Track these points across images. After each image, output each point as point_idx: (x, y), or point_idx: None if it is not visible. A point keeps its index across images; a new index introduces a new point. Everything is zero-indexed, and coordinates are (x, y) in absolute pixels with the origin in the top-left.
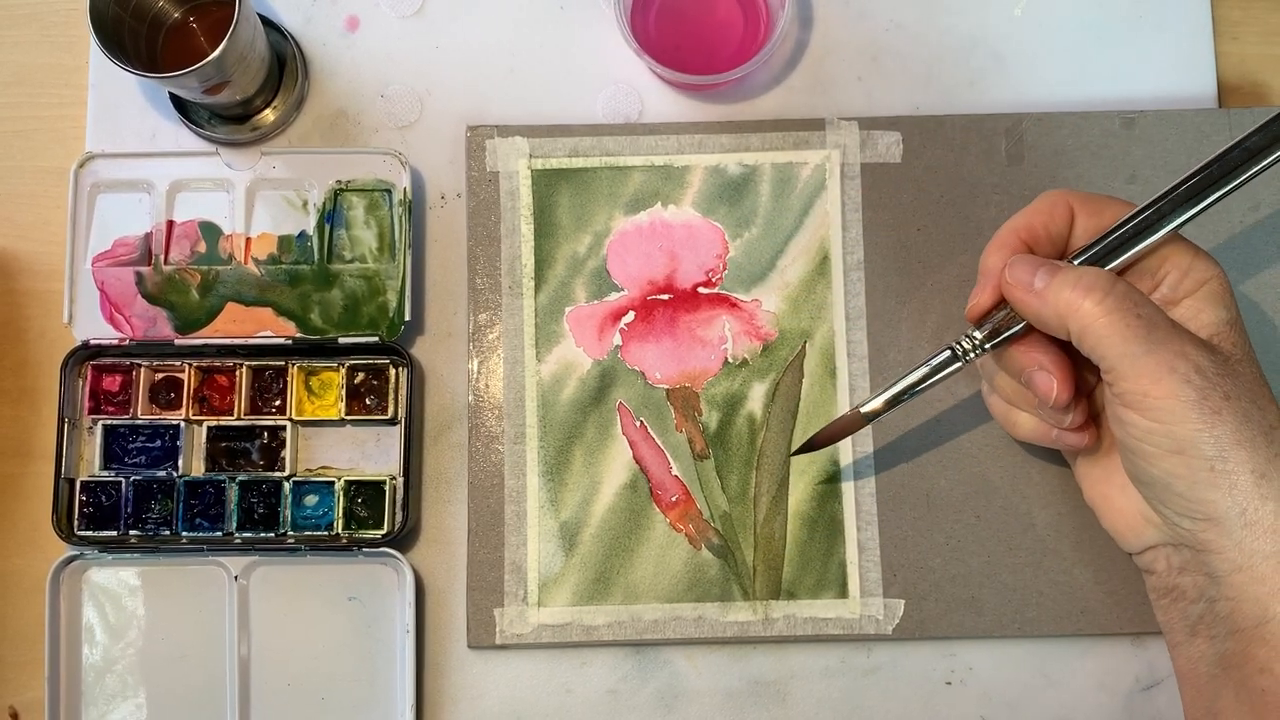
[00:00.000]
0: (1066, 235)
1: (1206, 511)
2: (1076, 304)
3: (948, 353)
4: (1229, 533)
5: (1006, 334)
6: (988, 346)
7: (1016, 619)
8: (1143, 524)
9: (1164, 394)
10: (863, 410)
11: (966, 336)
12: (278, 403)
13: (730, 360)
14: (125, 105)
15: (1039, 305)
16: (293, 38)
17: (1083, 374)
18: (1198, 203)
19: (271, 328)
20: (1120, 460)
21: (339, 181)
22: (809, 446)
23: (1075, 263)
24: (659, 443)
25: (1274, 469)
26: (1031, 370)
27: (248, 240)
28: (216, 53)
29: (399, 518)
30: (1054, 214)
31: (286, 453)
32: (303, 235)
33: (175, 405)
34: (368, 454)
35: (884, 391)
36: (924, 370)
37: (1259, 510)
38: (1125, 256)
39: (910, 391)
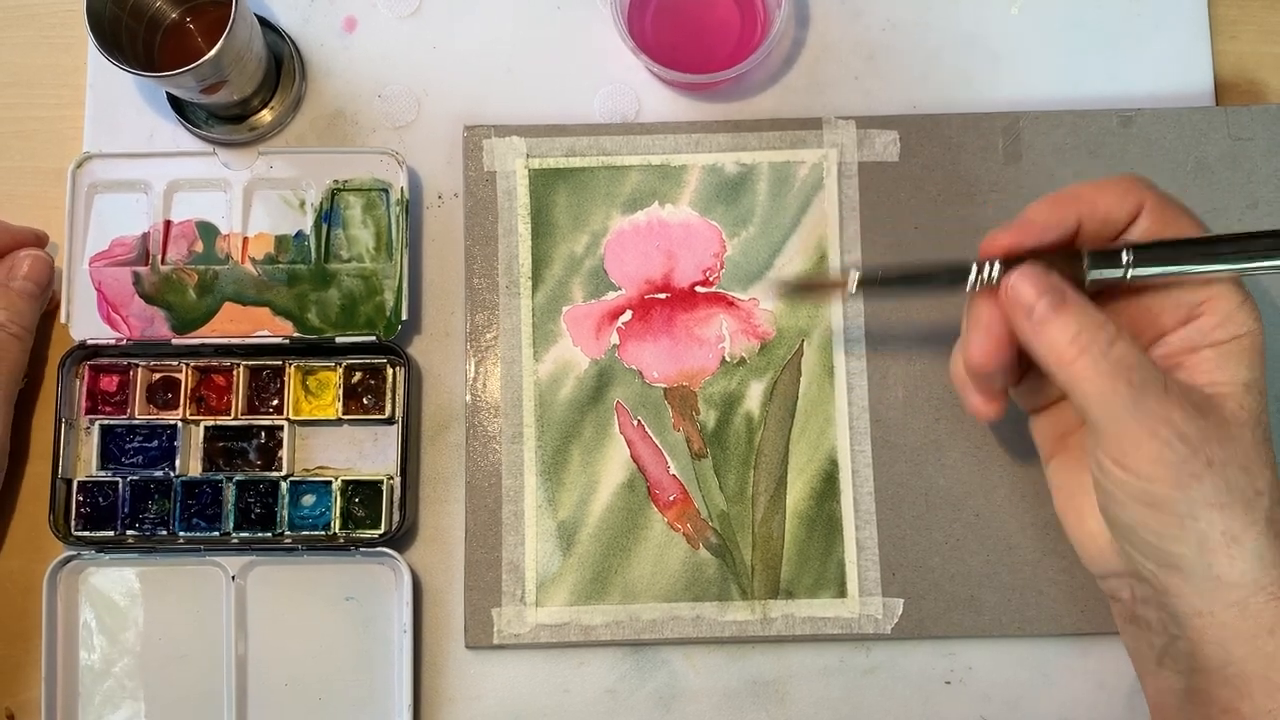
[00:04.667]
0: (1124, 226)
1: (1172, 562)
2: (1070, 358)
3: (973, 267)
4: (1193, 583)
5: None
6: (994, 280)
7: (1016, 618)
8: (1109, 550)
9: (1142, 456)
10: (857, 275)
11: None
12: (275, 402)
13: (728, 359)
14: (123, 106)
15: (1030, 335)
16: (290, 38)
17: (1042, 381)
18: None
19: (269, 327)
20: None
21: (336, 181)
22: (791, 287)
23: (1127, 257)
24: (656, 442)
25: (1250, 533)
26: (976, 326)
27: (245, 240)
28: (213, 52)
29: (396, 517)
30: (1123, 201)
31: (284, 452)
32: (300, 235)
33: (172, 405)
34: (365, 454)
35: (895, 280)
36: (936, 265)
37: (1227, 569)
38: (1175, 270)
39: (910, 280)
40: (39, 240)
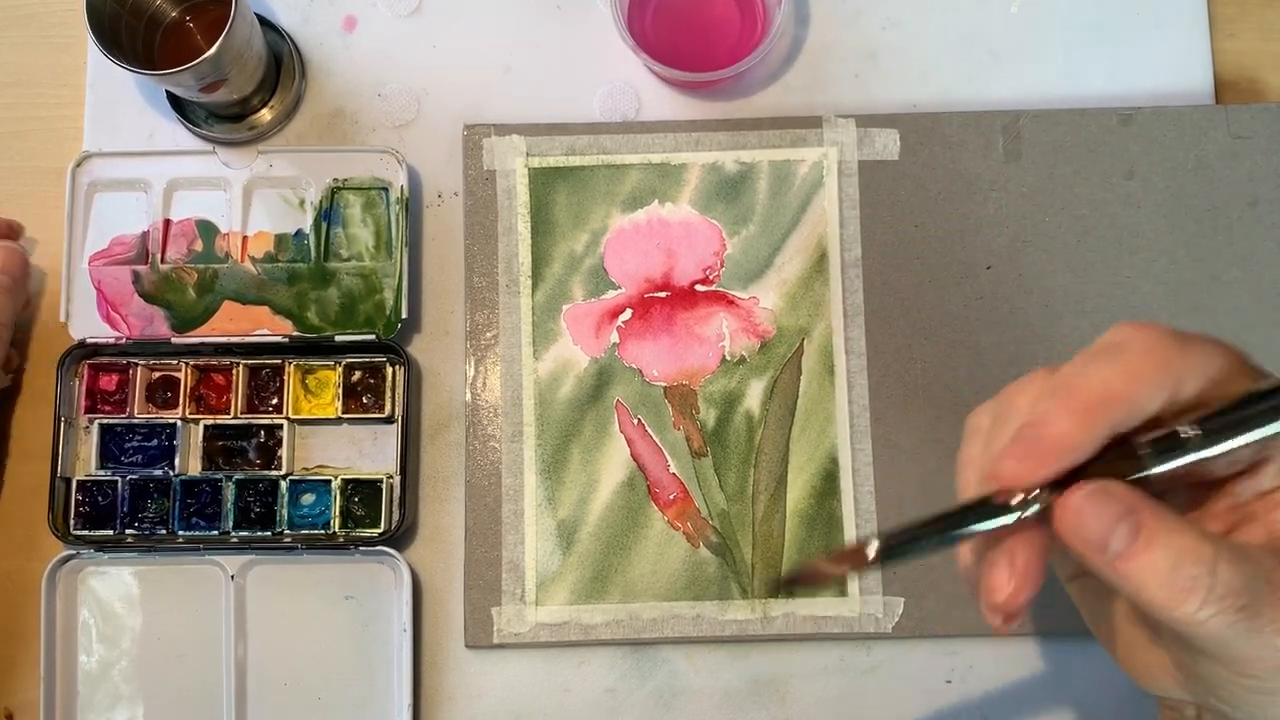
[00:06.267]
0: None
1: (1253, 713)
2: (1174, 604)
3: (1022, 508)
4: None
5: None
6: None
7: None
8: (1171, 680)
9: (1258, 667)
10: (868, 554)
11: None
12: (274, 401)
13: (728, 358)
14: (123, 105)
15: (1108, 572)
16: (290, 37)
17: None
18: None
19: (268, 326)
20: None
21: (336, 180)
22: (793, 581)
23: (1190, 432)
24: (656, 440)
25: None
26: (996, 561)
27: (244, 239)
28: (213, 50)
29: (396, 516)
30: (1162, 379)
31: (283, 451)
32: (299, 234)
33: (172, 404)
34: (364, 452)
35: (922, 536)
36: (960, 512)
37: None
38: (1255, 437)
39: (937, 535)
40: (12, 231)
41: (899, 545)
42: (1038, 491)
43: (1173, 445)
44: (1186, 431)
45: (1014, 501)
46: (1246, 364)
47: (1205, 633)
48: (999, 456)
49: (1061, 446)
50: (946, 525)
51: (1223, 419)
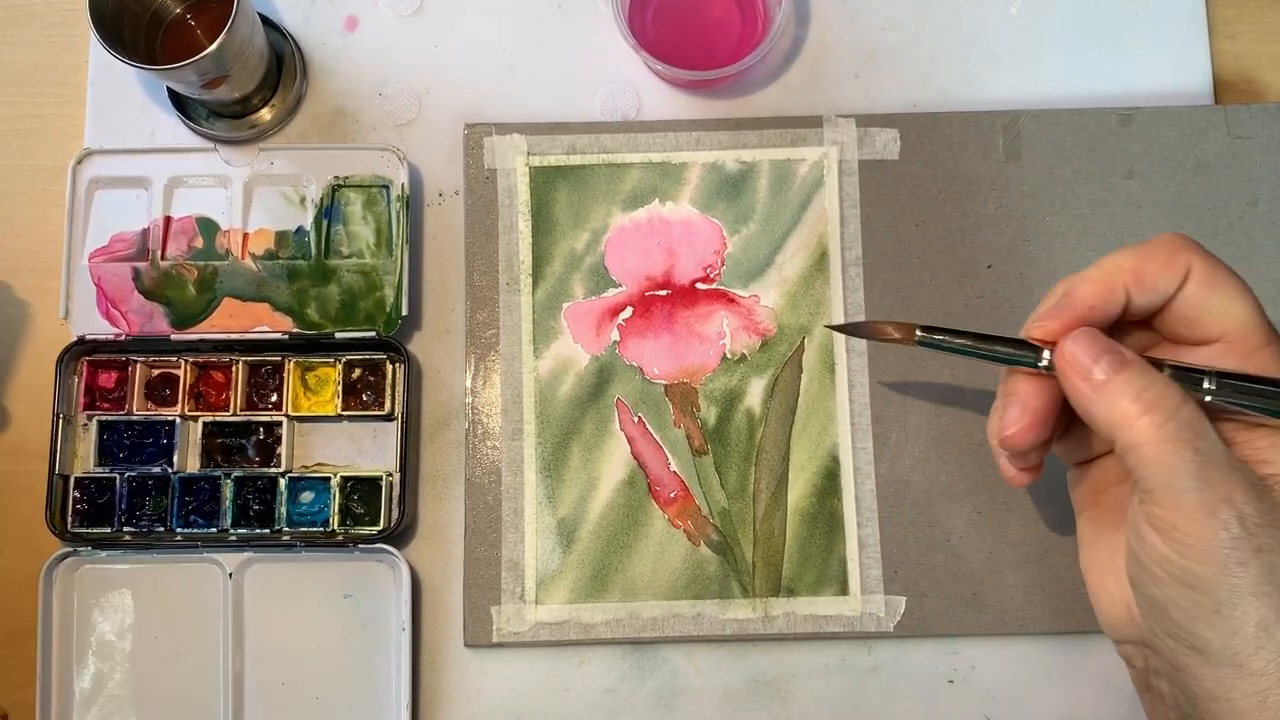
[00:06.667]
0: (1172, 294)
1: (1197, 645)
2: (1132, 419)
3: (1041, 354)
4: (1214, 668)
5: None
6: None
7: (1019, 616)
8: (1128, 618)
9: (1195, 534)
10: (918, 333)
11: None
12: (274, 398)
13: (729, 356)
14: (124, 103)
15: (1090, 398)
16: (292, 37)
17: (1086, 435)
18: None
19: (268, 323)
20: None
21: (337, 177)
22: (848, 328)
23: (1209, 384)
24: (657, 438)
25: None
26: (1013, 402)
27: (245, 236)
28: (214, 46)
29: (395, 514)
30: (1170, 267)
31: (282, 449)
32: (300, 231)
33: (171, 401)
34: (364, 450)
35: (955, 335)
36: (1001, 346)
37: (1253, 658)
38: (1259, 411)
39: (974, 348)
40: None
41: (939, 334)
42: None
43: (1191, 379)
44: (1208, 382)
45: (1044, 355)
46: (1263, 318)
47: (1159, 458)
48: (1032, 319)
49: (1081, 305)
50: (983, 341)
51: (1239, 383)
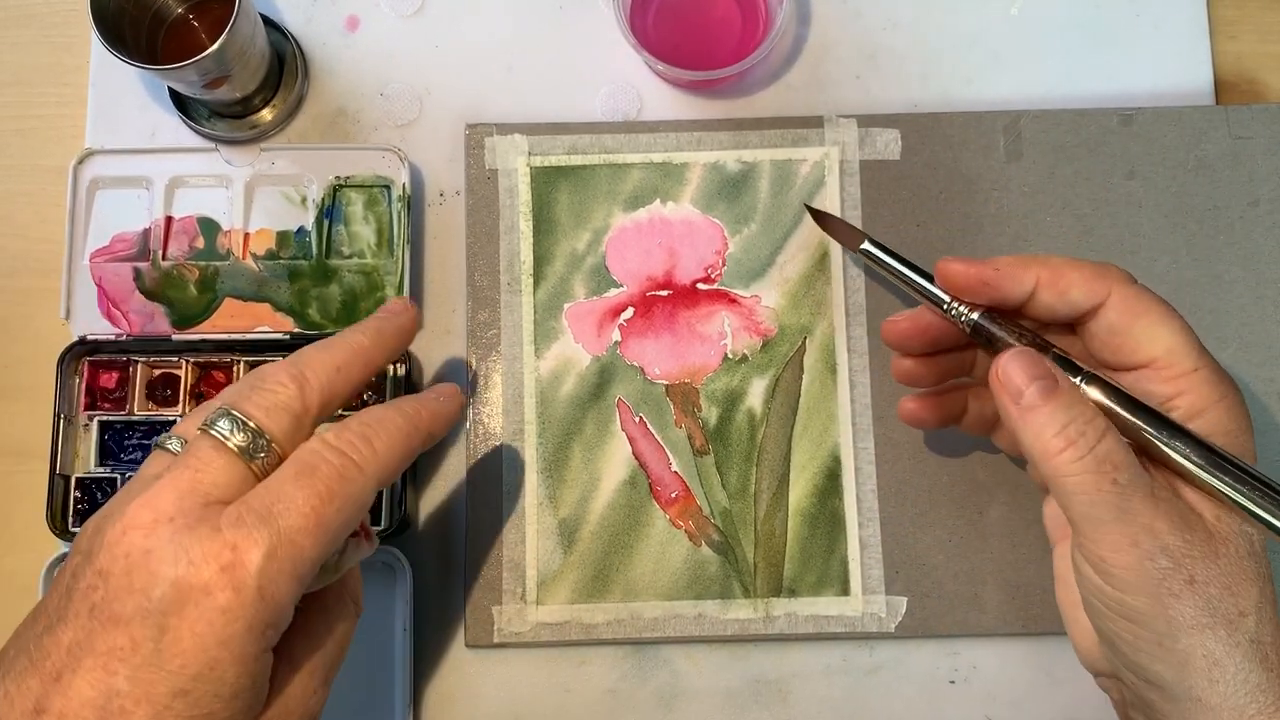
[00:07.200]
0: (1084, 312)
1: (1152, 679)
2: (1054, 451)
3: (948, 302)
4: (1173, 703)
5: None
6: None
7: (1021, 616)
8: (1099, 652)
9: (1121, 565)
10: (864, 245)
11: (958, 304)
12: None
13: (730, 356)
14: (125, 103)
15: (1017, 424)
16: (293, 37)
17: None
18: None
19: (269, 323)
20: None
21: (338, 177)
22: (817, 214)
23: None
24: (658, 438)
25: (1232, 657)
26: (913, 312)
27: (246, 236)
28: (216, 45)
29: (396, 514)
30: (1089, 285)
31: None
32: (301, 231)
33: (172, 402)
34: None
35: (894, 259)
36: (922, 280)
37: (1208, 692)
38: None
39: (901, 274)
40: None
41: (881, 250)
42: (970, 307)
43: (1072, 369)
44: (1079, 379)
45: (958, 303)
46: (1193, 343)
47: (1079, 491)
48: (948, 258)
49: (993, 267)
50: (914, 270)
51: (1121, 400)
